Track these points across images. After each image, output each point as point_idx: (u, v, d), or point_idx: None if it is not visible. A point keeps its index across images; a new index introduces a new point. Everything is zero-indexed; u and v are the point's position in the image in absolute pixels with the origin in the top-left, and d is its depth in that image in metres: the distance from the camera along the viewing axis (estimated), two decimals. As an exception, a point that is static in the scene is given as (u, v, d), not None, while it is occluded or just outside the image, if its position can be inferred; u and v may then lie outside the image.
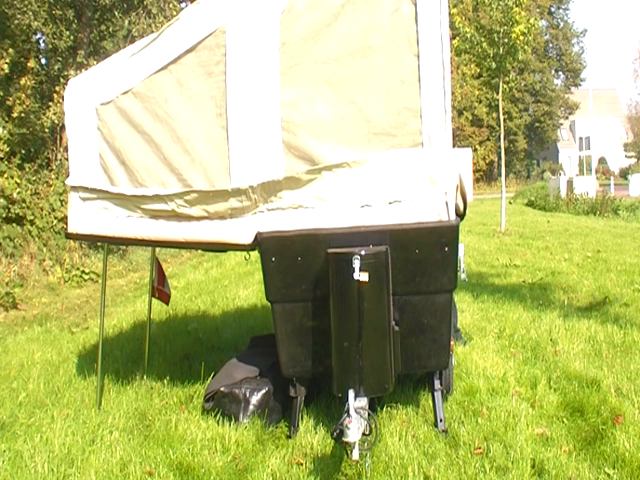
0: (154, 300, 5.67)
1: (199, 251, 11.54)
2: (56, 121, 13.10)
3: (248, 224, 3.98)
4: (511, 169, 53.31)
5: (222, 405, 4.28)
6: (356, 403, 3.48)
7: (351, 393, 3.48)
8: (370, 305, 3.60)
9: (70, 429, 4.24)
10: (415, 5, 3.72)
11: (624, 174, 50.18)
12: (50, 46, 14.01)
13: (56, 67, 14.48)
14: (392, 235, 3.73)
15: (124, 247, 12.96)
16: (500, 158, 20.33)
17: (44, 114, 13.27)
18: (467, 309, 7.22)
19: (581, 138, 42.35)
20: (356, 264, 3.47)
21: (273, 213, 3.93)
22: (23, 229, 11.52)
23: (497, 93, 17.04)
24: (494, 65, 16.17)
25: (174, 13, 13.67)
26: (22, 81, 12.95)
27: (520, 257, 11.47)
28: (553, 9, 59.31)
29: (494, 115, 44.98)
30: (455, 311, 5.72)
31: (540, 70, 55.69)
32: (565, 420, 4.09)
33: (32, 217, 11.70)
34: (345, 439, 3.25)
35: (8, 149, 11.85)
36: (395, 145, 3.78)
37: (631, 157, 60.28)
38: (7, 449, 4.01)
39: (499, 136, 23.45)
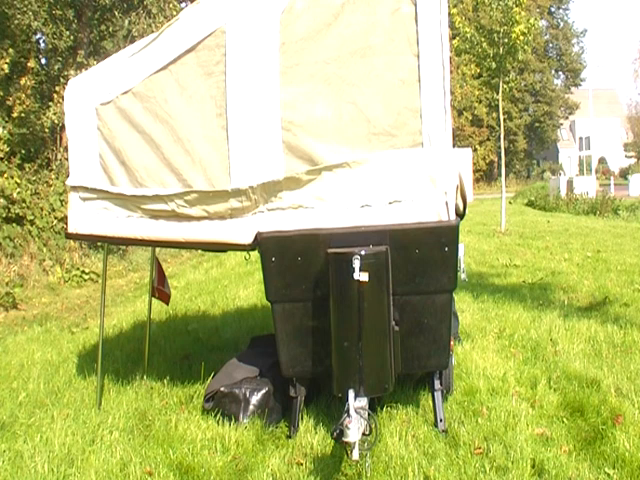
0: (154, 300, 5.66)
1: (199, 251, 11.54)
2: (56, 121, 13.09)
3: (248, 224, 3.98)
4: (511, 169, 53.30)
5: (222, 405, 4.28)
6: (356, 403, 3.48)
7: (351, 393, 3.48)
8: (370, 305, 3.60)
9: (70, 429, 4.24)
10: (415, 5, 3.72)
11: (624, 174, 50.16)
12: (50, 46, 14.01)
13: (56, 67, 14.47)
14: (392, 235, 3.73)
15: (124, 247, 12.95)
16: (500, 158, 20.32)
17: (44, 114, 13.27)
18: (467, 309, 7.22)
19: (581, 138, 42.23)
20: (356, 264, 3.47)
21: (273, 213, 3.93)
22: (23, 229, 11.51)
23: (497, 93, 17.03)
24: (494, 65, 16.17)
25: (174, 13, 13.66)
26: (22, 81, 12.95)
27: (520, 257, 11.47)
28: (553, 9, 59.31)
29: (494, 115, 44.95)
30: (456, 319, 5.70)
31: (540, 70, 55.68)
32: (565, 420, 4.09)
33: (32, 217, 11.70)
34: (345, 439, 3.25)
35: (8, 149, 11.85)
36: (395, 145, 3.78)
37: (631, 157, 60.22)
38: (7, 449, 4.01)
39: (499, 136, 23.44)
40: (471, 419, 4.14)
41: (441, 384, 4.17)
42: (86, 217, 4.41)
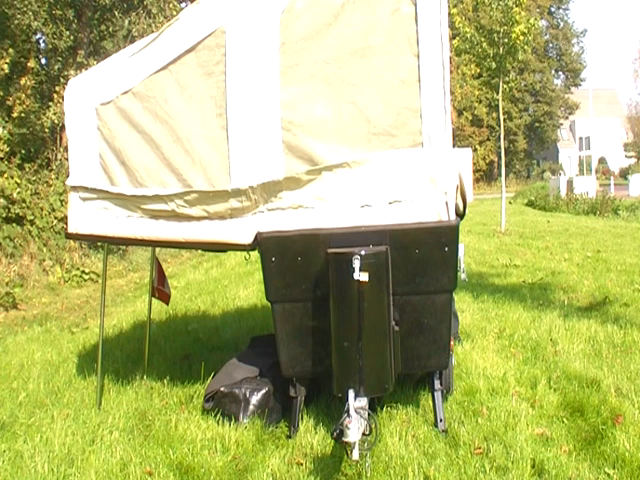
0: (154, 300, 5.66)
1: (199, 251, 11.54)
2: (56, 121, 13.09)
3: (248, 224, 3.98)
4: (511, 169, 53.30)
5: (222, 405, 4.28)
6: (356, 403, 3.48)
7: (351, 393, 3.48)
8: (370, 305, 3.60)
9: (70, 429, 4.24)
10: (415, 5, 3.72)
11: (624, 174, 50.16)
12: (50, 46, 14.01)
13: (56, 67, 14.47)
14: (392, 235, 3.73)
15: (124, 247, 12.96)
16: (500, 158, 20.32)
17: (44, 114, 13.27)
18: (467, 309, 7.22)
19: (581, 138, 42.22)
20: (356, 264, 3.47)
21: (273, 213, 3.93)
22: (23, 229, 11.52)
23: (497, 93, 17.04)
24: (494, 65, 16.17)
25: (174, 13, 13.66)
26: (22, 81, 12.95)
27: (520, 257, 11.47)
28: (553, 9, 59.32)
29: (494, 115, 44.96)
30: (456, 319, 5.70)
31: (540, 70, 55.69)
32: (565, 420, 4.09)
33: (32, 217, 11.70)
34: (345, 439, 3.25)
35: (8, 149, 11.85)
36: (395, 145, 3.78)
37: (631, 157, 60.23)
38: (7, 449, 4.01)
39: (499, 136, 23.44)
40: (471, 419, 4.14)
41: (441, 384, 4.17)
42: (86, 217, 4.41)
